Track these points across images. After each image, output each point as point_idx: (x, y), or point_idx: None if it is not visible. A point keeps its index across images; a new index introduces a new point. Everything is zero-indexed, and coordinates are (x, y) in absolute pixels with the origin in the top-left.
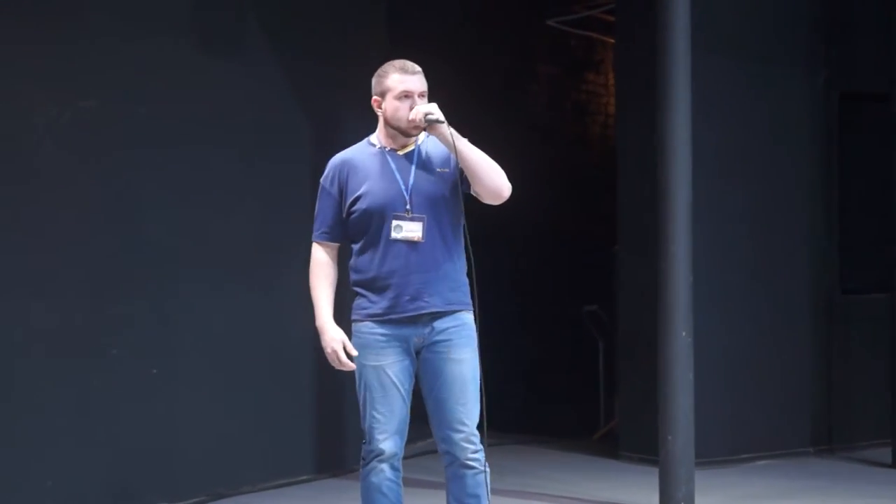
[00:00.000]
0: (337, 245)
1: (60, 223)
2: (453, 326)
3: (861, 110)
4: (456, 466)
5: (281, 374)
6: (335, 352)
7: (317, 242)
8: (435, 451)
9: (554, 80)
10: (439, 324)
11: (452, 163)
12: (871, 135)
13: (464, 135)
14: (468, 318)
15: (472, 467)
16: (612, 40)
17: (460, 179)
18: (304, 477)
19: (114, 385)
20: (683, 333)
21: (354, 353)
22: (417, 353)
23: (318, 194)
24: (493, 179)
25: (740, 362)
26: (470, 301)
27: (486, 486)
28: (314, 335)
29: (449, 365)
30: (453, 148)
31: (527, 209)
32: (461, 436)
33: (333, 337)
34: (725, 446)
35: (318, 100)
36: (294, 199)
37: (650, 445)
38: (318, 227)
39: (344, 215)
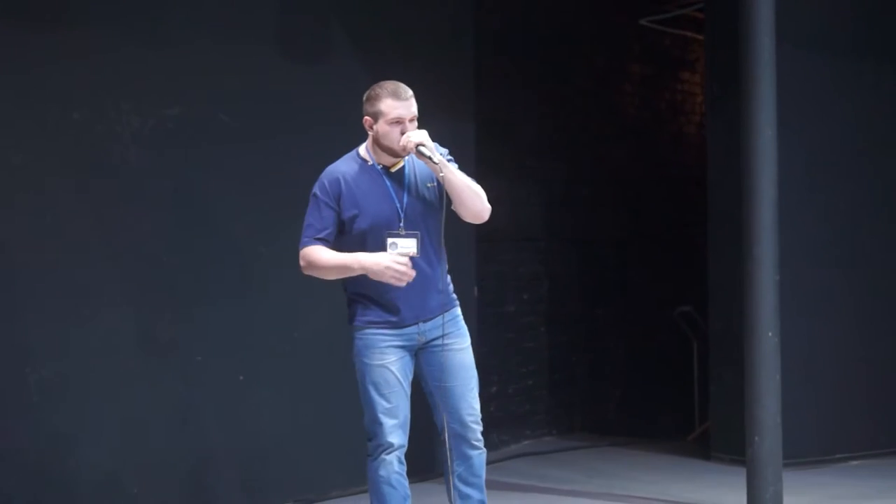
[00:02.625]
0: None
1: (146, 230)
2: (448, 321)
3: None
4: (464, 446)
5: None
6: (393, 261)
7: (308, 246)
8: (525, 455)
9: (647, 79)
10: (436, 325)
11: (437, 181)
12: None
13: (544, 139)
14: (459, 311)
15: (478, 448)
16: None
17: (445, 193)
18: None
19: (200, 391)
20: (770, 334)
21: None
22: (417, 350)
23: (313, 203)
24: (474, 203)
25: (833, 361)
26: (456, 297)
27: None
28: None
29: (451, 355)
30: (440, 174)
31: (619, 210)
32: (472, 418)
33: (381, 256)
34: (818, 446)
35: None
36: None
37: (741, 446)
38: (314, 233)
39: (340, 229)
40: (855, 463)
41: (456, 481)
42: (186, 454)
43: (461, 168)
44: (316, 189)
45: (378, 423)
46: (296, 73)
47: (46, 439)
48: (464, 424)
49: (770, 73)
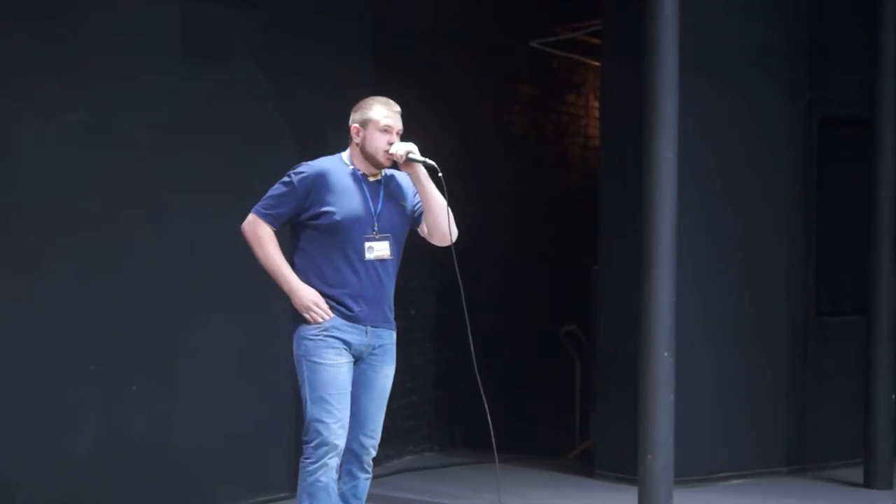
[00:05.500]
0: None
1: (43, 235)
2: (388, 343)
3: (840, 135)
4: (355, 466)
5: (262, 391)
6: (315, 302)
7: (262, 220)
8: (410, 470)
9: (535, 101)
10: (380, 338)
11: (411, 200)
12: (848, 159)
13: (444, 159)
14: (395, 337)
15: (367, 472)
16: (594, 62)
17: (411, 218)
18: (283, 494)
19: (93, 401)
20: (665, 354)
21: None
22: (356, 360)
23: (282, 182)
24: (447, 223)
25: (716, 382)
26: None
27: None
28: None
29: (379, 378)
30: (427, 188)
31: (505, 229)
32: (372, 442)
33: (310, 291)
34: (700, 465)
35: (304, 118)
36: None
37: (626, 464)
38: (269, 209)
39: (303, 217)
40: (736, 482)
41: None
42: (78, 463)
43: None
44: (294, 177)
45: (324, 424)
46: (199, 82)
47: None
48: (363, 445)
49: (672, 99)
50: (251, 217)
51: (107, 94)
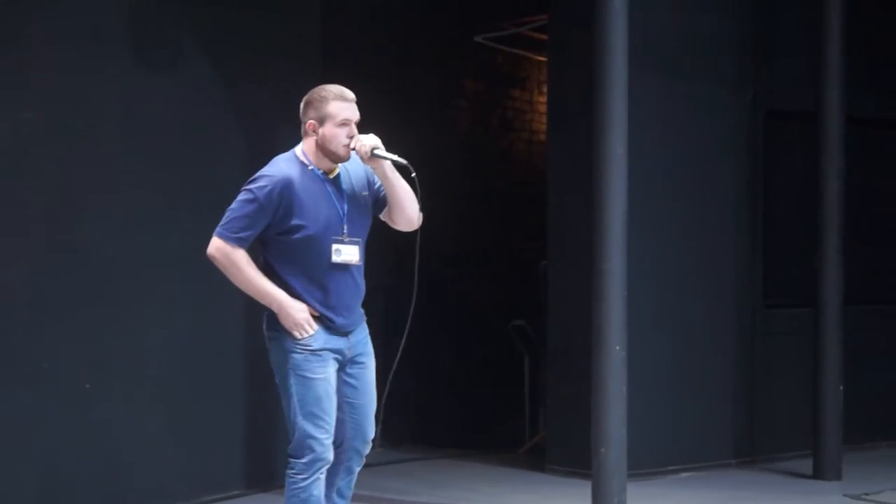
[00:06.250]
0: None
1: None
2: (365, 336)
3: (786, 127)
4: (355, 462)
5: (212, 388)
6: (306, 319)
7: (232, 244)
8: (367, 466)
9: (480, 95)
10: (358, 335)
11: (370, 188)
12: (795, 153)
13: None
14: (366, 325)
15: (362, 462)
16: (539, 57)
17: (374, 204)
18: (236, 492)
19: (45, 399)
20: (617, 347)
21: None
22: (342, 366)
23: (246, 200)
24: (412, 209)
25: (665, 375)
26: None
27: None
28: (245, 349)
29: (366, 373)
30: (393, 181)
31: (452, 224)
32: (372, 435)
33: (300, 308)
34: (650, 458)
35: (253, 116)
36: None
37: (578, 459)
38: (237, 230)
39: (273, 232)
40: (685, 475)
41: (334, 495)
42: (29, 461)
43: None
44: (258, 192)
45: (317, 441)
46: (149, 81)
47: None
48: (365, 442)
49: (622, 94)
50: (218, 242)
51: (59, 93)
